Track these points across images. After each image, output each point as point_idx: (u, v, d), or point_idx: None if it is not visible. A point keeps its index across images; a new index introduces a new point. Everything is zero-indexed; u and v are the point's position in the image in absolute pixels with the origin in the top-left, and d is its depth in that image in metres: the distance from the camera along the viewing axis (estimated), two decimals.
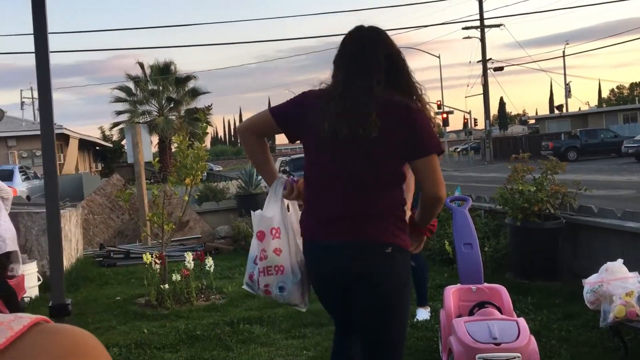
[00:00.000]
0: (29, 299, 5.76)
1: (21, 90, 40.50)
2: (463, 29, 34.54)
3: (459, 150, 50.45)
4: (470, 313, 3.61)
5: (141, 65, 32.17)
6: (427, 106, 2.24)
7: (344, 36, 2.33)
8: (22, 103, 40.15)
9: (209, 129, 20.70)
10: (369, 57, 2.19)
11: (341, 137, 2.10)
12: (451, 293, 3.80)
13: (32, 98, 40.29)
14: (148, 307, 5.62)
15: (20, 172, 15.73)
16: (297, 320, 4.86)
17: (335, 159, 2.14)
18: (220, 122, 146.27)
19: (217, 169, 48.36)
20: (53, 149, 1.89)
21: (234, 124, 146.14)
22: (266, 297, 2.40)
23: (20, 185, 14.68)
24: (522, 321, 3.41)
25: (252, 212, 2.37)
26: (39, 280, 6.16)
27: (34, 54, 1.80)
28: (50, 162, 1.88)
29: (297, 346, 4.25)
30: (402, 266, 2.18)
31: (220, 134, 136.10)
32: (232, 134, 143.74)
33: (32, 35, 1.83)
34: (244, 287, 2.50)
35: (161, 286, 5.63)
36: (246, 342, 4.39)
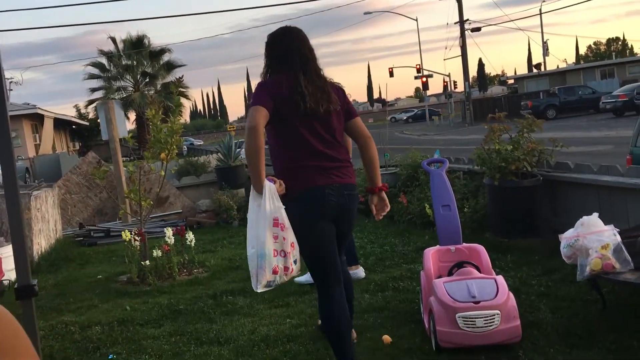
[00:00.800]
0: (7, 281, 5.68)
1: None
2: None
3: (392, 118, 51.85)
4: (450, 273, 3.63)
5: (113, 40, 31.46)
6: None
7: (277, 34, 3.07)
8: None
9: (188, 103, 20.39)
10: (310, 50, 3.04)
11: (318, 112, 2.89)
12: (430, 254, 3.82)
13: (3, 78, 39.29)
14: (130, 284, 5.59)
15: None
16: (280, 290, 4.85)
17: (315, 126, 2.92)
18: (199, 95, 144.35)
19: (198, 143, 47.93)
20: (7, 127, 1.82)
21: (213, 97, 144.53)
22: (287, 279, 2.86)
23: None
24: (500, 279, 3.44)
25: (249, 213, 2.80)
26: None
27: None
28: (5, 140, 1.81)
29: (281, 315, 4.26)
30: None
31: (200, 107, 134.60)
32: (212, 107, 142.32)
33: None
34: (261, 290, 2.79)
35: (142, 263, 5.59)
36: (230, 313, 4.39)
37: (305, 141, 2.90)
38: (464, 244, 3.86)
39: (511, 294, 3.32)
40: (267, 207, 2.73)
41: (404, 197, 6.92)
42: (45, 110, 25.94)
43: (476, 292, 3.27)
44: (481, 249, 3.80)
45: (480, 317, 3.17)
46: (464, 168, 6.70)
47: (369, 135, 3.15)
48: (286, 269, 2.76)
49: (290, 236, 2.77)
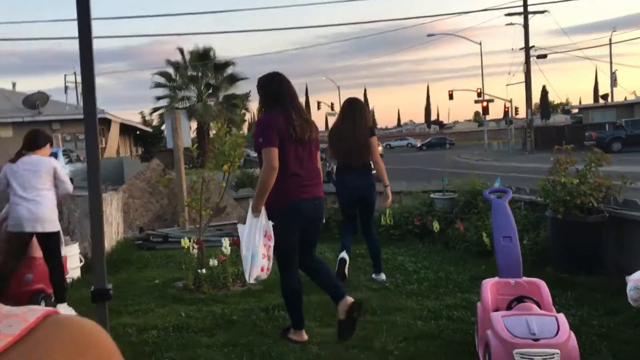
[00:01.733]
0: (71, 280, 5.92)
1: (65, 75, 41.44)
2: (506, 15, 33.78)
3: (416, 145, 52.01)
4: (509, 307, 3.55)
5: (181, 51, 32.55)
6: None
7: (269, 80, 3.99)
8: (66, 87, 41.10)
9: (246, 115, 20.83)
10: (294, 91, 4.05)
11: (303, 139, 3.83)
12: (489, 286, 3.74)
13: (76, 83, 41.22)
14: (186, 290, 5.71)
15: (63, 155, 16.11)
16: (331, 308, 4.86)
17: (301, 151, 3.84)
18: (255, 108, 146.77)
19: (254, 155, 48.68)
20: (95, 134, 1.92)
21: None
22: (266, 276, 4.07)
23: (64, 168, 15.06)
24: (561, 317, 3.33)
25: (247, 224, 3.87)
26: (80, 261, 6.33)
27: (74, 40, 1.82)
28: (92, 147, 1.91)
29: (332, 334, 4.25)
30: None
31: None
32: None
33: (76, 21, 1.85)
34: (252, 281, 4.06)
35: (199, 271, 5.72)
36: (281, 328, 4.42)
37: (293, 162, 3.81)
38: (524, 278, 3.77)
39: (572, 334, 3.22)
40: (263, 223, 3.78)
41: (461, 224, 6.82)
42: (113, 116, 27.01)
43: (536, 329, 3.19)
44: (542, 284, 3.70)
45: (539, 356, 3.09)
46: (525, 198, 6.55)
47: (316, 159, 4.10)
48: (268, 269, 3.94)
49: (273, 246, 3.84)
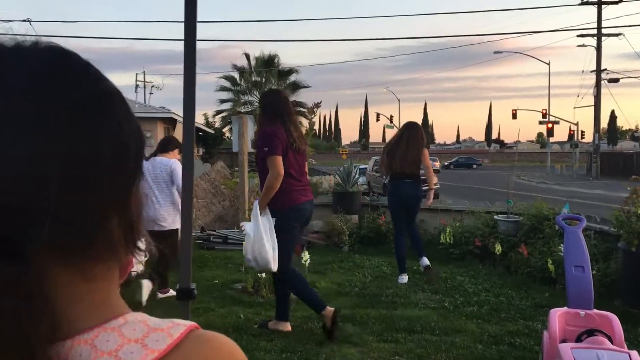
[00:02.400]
0: (135, 272, 6.12)
1: (136, 74, 43.07)
2: (578, 36, 32.81)
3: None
4: (578, 339, 3.43)
5: (247, 56, 33.15)
6: None
7: (270, 97, 4.58)
8: (137, 86, 42.67)
9: (305, 122, 20.99)
10: (291, 107, 4.55)
11: (300, 149, 4.38)
12: (557, 316, 3.63)
13: (144, 82, 42.73)
14: (244, 293, 5.81)
15: None
16: (390, 323, 4.84)
17: (297, 160, 4.37)
18: (317, 116, 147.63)
19: (312, 162, 49.02)
20: (192, 139, 1.98)
21: (330, 119, 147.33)
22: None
23: None
24: (635, 354, 3.19)
25: (254, 225, 4.33)
26: (145, 256, 6.52)
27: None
28: (189, 153, 1.97)
29: (389, 350, 4.23)
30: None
31: (316, 128, 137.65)
32: (327, 129, 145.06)
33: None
34: (252, 264, 4.48)
35: (258, 274, 5.80)
36: (338, 340, 4.43)
37: (293, 170, 4.30)
38: (595, 310, 3.64)
39: None
40: (269, 220, 4.28)
41: (525, 248, 6.65)
42: (178, 115, 27.78)
43: None
44: (614, 317, 3.57)
45: None
46: (595, 227, 6.32)
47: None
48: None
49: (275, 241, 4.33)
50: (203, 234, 8.83)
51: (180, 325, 0.53)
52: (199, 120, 37.93)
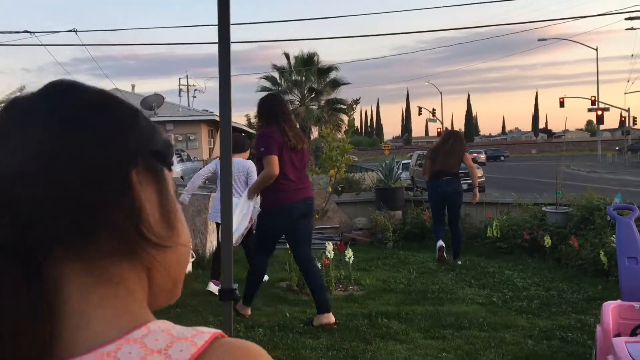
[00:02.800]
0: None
1: (179, 79, 43.89)
2: (626, 19, 31.60)
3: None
4: (633, 333, 3.31)
5: (287, 56, 33.33)
6: None
7: (267, 101, 4.77)
8: (180, 90, 43.50)
9: (346, 120, 20.98)
10: (288, 109, 4.85)
11: (297, 148, 4.54)
12: (610, 309, 3.51)
13: (187, 86, 43.51)
14: (289, 291, 5.84)
15: (175, 154, 17.02)
16: (436, 320, 4.78)
17: (295, 159, 4.56)
18: (357, 112, 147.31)
19: (354, 159, 48.92)
20: (229, 139, 2.00)
21: (371, 115, 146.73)
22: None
23: (176, 167, 15.95)
24: None
25: (241, 204, 4.64)
26: (192, 257, 6.65)
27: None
28: (226, 153, 1.99)
29: (436, 347, 4.18)
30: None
31: (357, 124, 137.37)
32: (369, 125, 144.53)
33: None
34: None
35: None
36: (384, 337, 4.40)
37: (288, 168, 4.48)
38: None
39: None
40: (251, 207, 4.61)
41: (576, 240, 6.45)
42: None
43: None
44: None
45: None
46: None
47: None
48: (237, 242, 4.64)
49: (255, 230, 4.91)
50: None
51: (205, 334, 0.52)
52: (241, 121, 38.34)
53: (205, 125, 27.28)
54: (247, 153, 6.34)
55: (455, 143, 6.93)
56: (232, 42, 1.96)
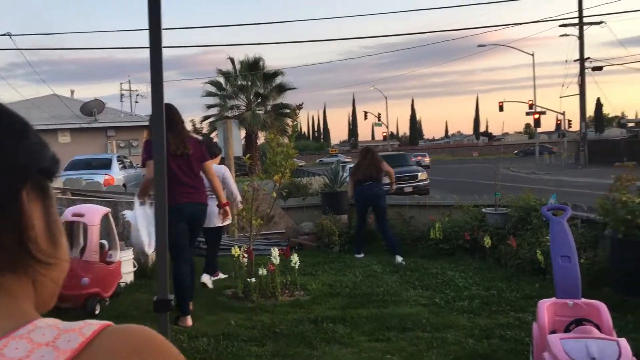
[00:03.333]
0: (124, 284, 6.07)
1: (121, 83, 42.79)
2: (560, 26, 32.97)
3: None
4: (567, 330, 3.43)
5: (232, 60, 33.06)
6: None
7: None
8: (122, 95, 42.42)
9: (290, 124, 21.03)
10: (177, 116, 5.06)
11: (177, 154, 4.86)
12: (545, 307, 3.63)
13: (130, 91, 42.49)
14: (235, 299, 5.77)
15: (117, 161, 16.55)
16: (381, 322, 4.83)
17: (182, 164, 4.93)
18: (304, 117, 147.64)
19: (300, 163, 48.96)
20: (163, 140, 1.95)
21: (318, 120, 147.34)
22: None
23: (118, 174, 15.50)
24: (623, 342, 3.20)
25: (136, 211, 5.09)
26: (134, 267, 6.48)
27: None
28: (160, 156, 1.94)
29: (381, 349, 4.22)
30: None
31: (304, 129, 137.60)
32: (315, 129, 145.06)
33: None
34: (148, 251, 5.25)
35: (248, 279, 5.76)
36: (330, 341, 4.41)
37: (171, 172, 4.62)
38: (583, 299, 3.64)
39: None
40: (147, 213, 4.98)
41: (514, 240, 6.66)
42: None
43: (596, 354, 3.07)
44: (602, 306, 3.57)
45: None
46: (582, 216, 6.35)
47: (213, 174, 5.22)
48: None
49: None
50: None
51: (93, 325, 0.52)
52: (186, 126, 37.68)
53: (149, 131, 26.65)
54: (219, 158, 6.50)
55: (372, 156, 8.17)
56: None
